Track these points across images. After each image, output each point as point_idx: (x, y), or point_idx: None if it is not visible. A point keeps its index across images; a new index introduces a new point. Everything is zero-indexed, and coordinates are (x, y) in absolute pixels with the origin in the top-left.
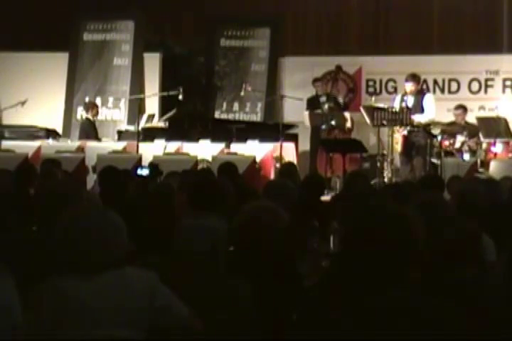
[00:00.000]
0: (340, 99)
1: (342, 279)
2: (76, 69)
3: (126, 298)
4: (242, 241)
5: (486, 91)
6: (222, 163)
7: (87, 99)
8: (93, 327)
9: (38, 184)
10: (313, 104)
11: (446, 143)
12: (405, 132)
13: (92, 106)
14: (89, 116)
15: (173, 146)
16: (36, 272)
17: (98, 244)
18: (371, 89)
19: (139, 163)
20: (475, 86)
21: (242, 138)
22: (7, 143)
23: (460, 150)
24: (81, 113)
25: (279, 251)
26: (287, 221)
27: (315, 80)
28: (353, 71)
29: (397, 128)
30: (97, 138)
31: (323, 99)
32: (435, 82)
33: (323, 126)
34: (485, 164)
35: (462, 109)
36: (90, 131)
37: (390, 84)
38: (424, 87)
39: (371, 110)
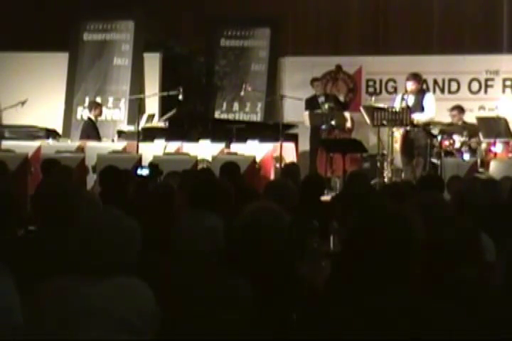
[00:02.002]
0: (341, 98)
1: (343, 279)
2: (76, 69)
3: (128, 305)
4: (243, 241)
5: (486, 92)
6: (224, 162)
7: (87, 99)
8: (91, 329)
9: (38, 184)
10: (312, 104)
11: (446, 143)
12: (404, 130)
13: (95, 106)
14: (92, 116)
15: (173, 146)
16: (36, 272)
17: (110, 247)
18: (371, 89)
19: (139, 163)
20: (475, 86)
21: (242, 138)
22: (7, 143)
23: (460, 150)
24: (81, 113)
25: (280, 252)
26: (288, 222)
27: (314, 80)
28: (353, 71)
29: (396, 127)
30: (99, 138)
31: (321, 99)
32: (435, 82)
33: (323, 126)
34: (485, 164)
35: (458, 109)
36: (91, 131)
37: (390, 84)
38: (424, 86)
39: (371, 110)
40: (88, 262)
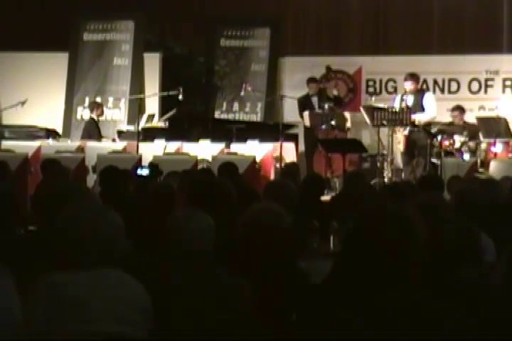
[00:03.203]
0: (335, 92)
1: (343, 279)
2: (76, 69)
3: (125, 296)
4: (244, 241)
5: (486, 92)
6: (222, 163)
7: (87, 99)
8: (91, 323)
9: (38, 184)
10: (304, 103)
11: (446, 143)
12: (406, 132)
13: (97, 106)
14: (94, 116)
15: (173, 146)
16: (36, 272)
17: (96, 242)
18: (371, 89)
19: (139, 163)
20: (475, 86)
21: (242, 138)
22: (7, 143)
23: (460, 150)
24: (82, 113)
25: (281, 252)
26: (290, 223)
27: (310, 80)
28: (353, 71)
29: (397, 128)
30: (100, 138)
31: (314, 99)
32: (435, 82)
33: (323, 126)
34: (485, 164)
35: (459, 110)
36: (93, 130)
37: (390, 84)
38: (424, 86)
39: (371, 110)
40: (74, 255)
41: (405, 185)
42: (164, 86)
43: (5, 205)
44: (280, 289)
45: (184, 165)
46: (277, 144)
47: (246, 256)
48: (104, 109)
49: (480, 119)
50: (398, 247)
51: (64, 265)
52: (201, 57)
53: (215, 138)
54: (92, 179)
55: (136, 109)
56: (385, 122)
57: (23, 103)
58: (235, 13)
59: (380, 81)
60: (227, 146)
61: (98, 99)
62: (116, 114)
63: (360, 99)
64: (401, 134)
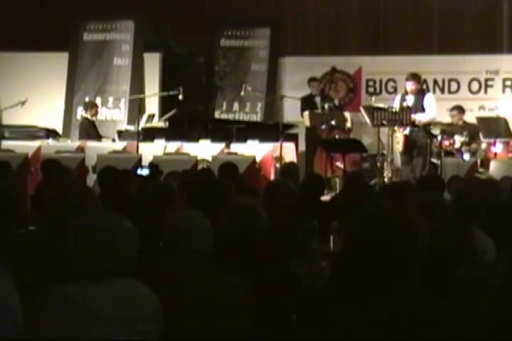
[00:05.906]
0: (337, 101)
1: (343, 279)
2: (76, 69)
3: (137, 307)
4: (229, 237)
5: (486, 92)
6: (222, 163)
7: (87, 99)
8: (103, 334)
9: (38, 184)
10: (307, 103)
11: (446, 143)
12: (407, 131)
13: (91, 106)
14: (88, 116)
15: (173, 146)
16: (36, 272)
17: (111, 253)
18: (371, 89)
19: (139, 163)
20: (475, 86)
21: (242, 138)
22: (7, 143)
23: (460, 150)
24: (81, 113)
25: (271, 251)
26: (265, 218)
27: (311, 80)
28: (353, 71)
29: (397, 127)
30: (99, 137)
31: (317, 99)
32: (435, 82)
33: (323, 126)
34: (485, 164)
35: (458, 109)
36: (90, 130)
37: (390, 84)
38: (424, 86)
39: (371, 110)
40: (87, 266)
41: (405, 185)
42: (164, 86)
43: (5, 205)
44: (279, 289)
45: (184, 165)
46: (277, 144)
47: (234, 254)
48: (104, 109)
49: (480, 119)
50: (398, 247)
51: (75, 275)
52: (201, 57)
53: (215, 138)
54: (92, 179)
55: (136, 109)
56: (385, 122)
57: (23, 103)
58: (235, 13)
59: (380, 81)
60: (227, 146)
61: (98, 99)
62: (116, 114)
63: (360, 99)
64: (401, 134)
